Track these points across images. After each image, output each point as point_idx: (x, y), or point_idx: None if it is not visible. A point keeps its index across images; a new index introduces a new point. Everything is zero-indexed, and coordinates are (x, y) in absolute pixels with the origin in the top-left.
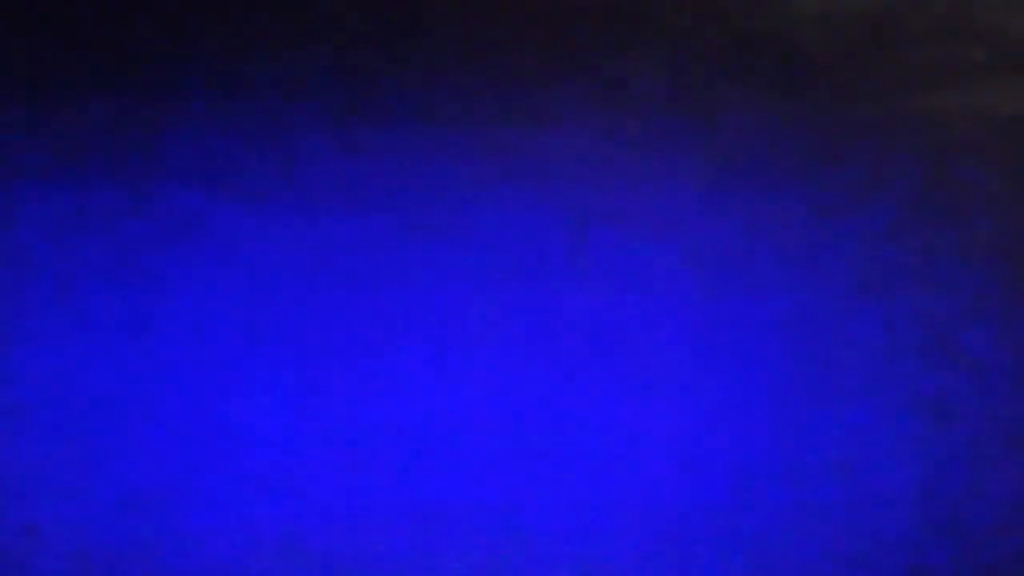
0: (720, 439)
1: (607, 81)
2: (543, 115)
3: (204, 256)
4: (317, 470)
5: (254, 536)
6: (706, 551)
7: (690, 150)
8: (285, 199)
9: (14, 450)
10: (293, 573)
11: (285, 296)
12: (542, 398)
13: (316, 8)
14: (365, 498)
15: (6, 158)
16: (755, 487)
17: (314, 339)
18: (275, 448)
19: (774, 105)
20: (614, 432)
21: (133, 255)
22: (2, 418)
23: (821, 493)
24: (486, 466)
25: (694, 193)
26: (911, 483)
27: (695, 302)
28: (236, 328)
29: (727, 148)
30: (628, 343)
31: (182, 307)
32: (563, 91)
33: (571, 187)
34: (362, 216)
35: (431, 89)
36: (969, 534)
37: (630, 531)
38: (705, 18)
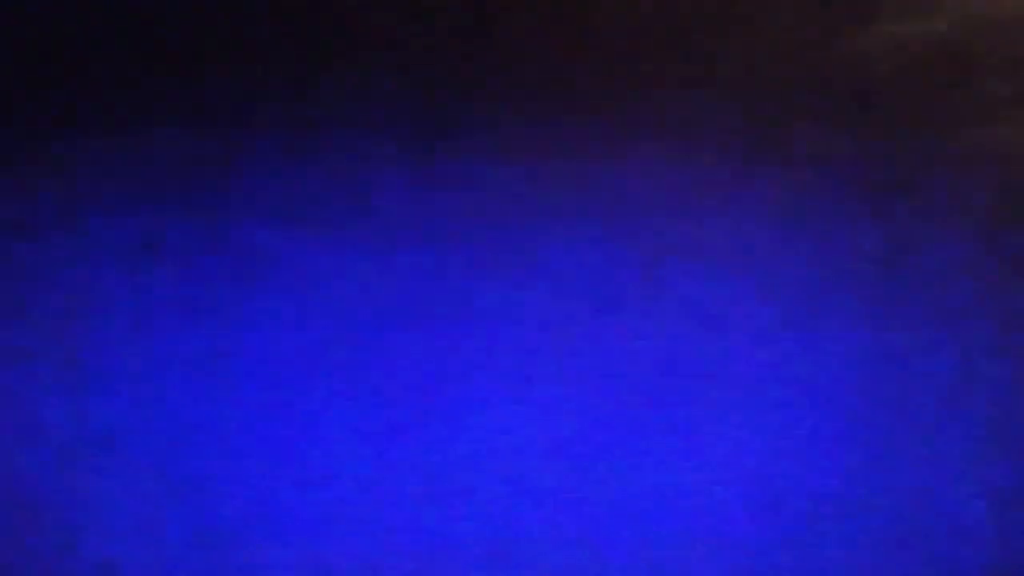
0: (796, 473)
1: (681, 115)
2: (617, 149)
3: (279, 290)
4: (391, 505)
5: (328, 571)
6: None
7: (764, 184)
8: (360, 233)
9: (91, 486)
10: None
11: (360, 330)
12: (616, 433)
13: (390, 43)
14: (439, 533)
15: (81, 191)
16: (830, 520)
17: (389, 373)
18: (349, 482)
19: (848, 138)
20: (689, 466)
21: (208, 289)
22: (80, 453)
23: (896, 526)
24: (560, 501)
25: (768, 227)
26: (988, 516)
27: (770, 336)
28: (311, 362)
29: (801, 181)
30: (703, 377)
31: (257, 342)
32: (638, 125)
33: (645, 221)
34: (437, 250)
35: (505, 123)
36: None
37: (705, 565)
38: (778, 51)
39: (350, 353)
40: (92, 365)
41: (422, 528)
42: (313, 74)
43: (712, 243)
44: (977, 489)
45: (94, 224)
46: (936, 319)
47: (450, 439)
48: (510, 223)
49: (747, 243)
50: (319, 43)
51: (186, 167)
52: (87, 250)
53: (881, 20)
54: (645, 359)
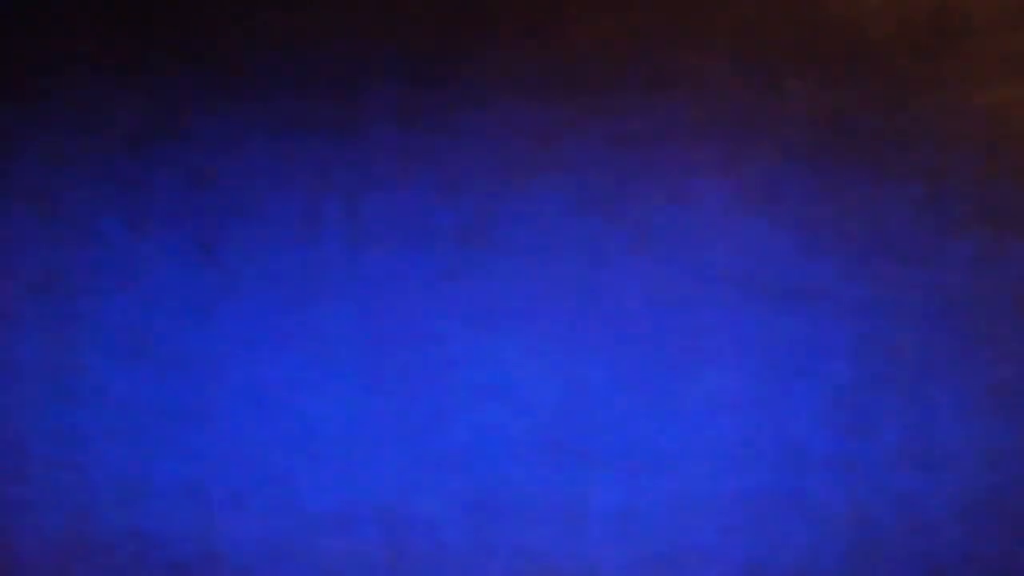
0: (783, 428)
1: (669, 70)
2: (606, 104)
3: (266, 235)
4: (374, 456)
5: (305, 517)
6: (766, 538)
7: (752, 140)
8: (348, 175)
9: (74, 443)
10: (351, 558)
11: (344, 280)
12: (603, 386)
13: (385, 6)
14: (421, 488)
15: (60, 153)
16: (817, 474)
17: (371, 329)
18: (332, 434)
19: (837, 95)
20: (675, 420)
21: (195, 229)
22: (64, 407)
23: (886, 484)
24: (545, 455)
25: (758, 181)
26: (973, 476)
27: (757, 292)
28: (295, 310)
29: (789, 137)
30: (692, 330)
31: (243, 289)
32: (625, 80)
33: (631, 176)
34: (425, 199)
35: (496, 72)
36: None
37: (691, 520)
38: (768, 7)
39: (333, 303)
40: (84, 311)
41: (404, 476)
42: (300, 35)
43: (702, 197)
44: (964, 449)
45: (83, 174)
46: (921, 277)
47: (433, 389)
48: (500, 176)
49: (738, 196)
50: (318, 8)
51: (175, 113)
52: (84, 200)
53: None
54: (633, 320)
